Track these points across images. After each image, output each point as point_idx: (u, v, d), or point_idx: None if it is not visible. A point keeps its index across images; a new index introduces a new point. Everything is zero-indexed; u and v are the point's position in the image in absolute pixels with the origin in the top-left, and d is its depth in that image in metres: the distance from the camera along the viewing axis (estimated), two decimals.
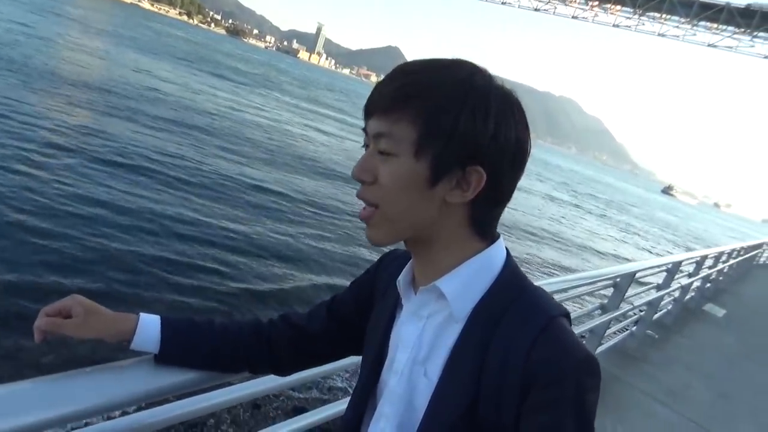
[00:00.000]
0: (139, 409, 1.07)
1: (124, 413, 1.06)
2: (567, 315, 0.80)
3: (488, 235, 0.84)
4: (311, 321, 1.07)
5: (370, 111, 0.80)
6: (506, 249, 0.86)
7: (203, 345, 1.02)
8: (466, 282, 0.81)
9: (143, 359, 1.00)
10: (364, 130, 0.82)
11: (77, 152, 11.25)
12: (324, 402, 4.92)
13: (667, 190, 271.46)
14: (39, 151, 10.46)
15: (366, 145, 0.82)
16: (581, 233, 27.12)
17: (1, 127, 11.22)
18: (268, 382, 1.39)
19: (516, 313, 0.77)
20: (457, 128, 0.75)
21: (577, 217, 33.98)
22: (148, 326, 0.98)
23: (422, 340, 0.84)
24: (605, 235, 30.44)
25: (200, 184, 11.95)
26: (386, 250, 1.04)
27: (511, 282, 0.82)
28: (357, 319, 1.04)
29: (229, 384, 1.31)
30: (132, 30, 64.01)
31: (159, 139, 14.37)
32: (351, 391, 1.02)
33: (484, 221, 0.83)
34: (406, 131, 0.76)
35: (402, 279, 0.90)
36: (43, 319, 0.89)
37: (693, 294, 7.77)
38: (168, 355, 1.00)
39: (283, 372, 1.13)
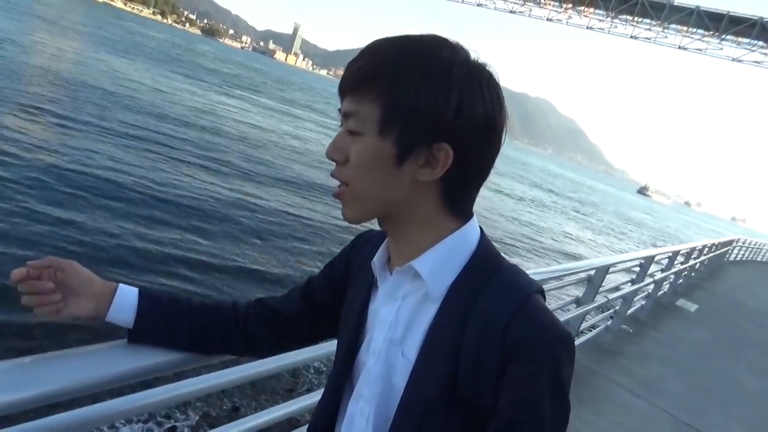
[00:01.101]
0: (111, 396, 1.05)
1: (96, 401, 1.03)
2: (542, 291, 0.80)
3: (463, 214, 0.83)
4: (286, 303, 1.07)
5: (341, 91, 0.80)
6: (480, 227, 0.86)
7: (181, 322, 1.00)
8: (441, 261, 0.81)
9: (114, 343, 0.97)
10: (339, 110, 0.82)
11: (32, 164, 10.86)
12: (301, 393, 4.93)
13: (642, 191, 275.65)
14: None
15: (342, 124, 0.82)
16: (558, 235, 27.48)
17: None
18: (244, 371, 1.37)
19: (493, 290, 0.77)
20: (418, 104, 0.74)
21: (554, 218, 34.40)
22: (127, 296, 0.95)
23: (398, 320, 0.84)
24: (585, 237, 30.84)
25: (170, 196, 11.77)
26: (363, 229, 1.03)
27: (487, 260, 0.82)
28: (331, 301, 1.03)
29: (206, 371, 1.29)
30: (103, 29, 62.90)
31: (125, 148, 13.87)
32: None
33: (457, 199, 0.82)
34: (370, 110, 0.76)
35: (377, 260, 0.90)
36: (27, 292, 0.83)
37: (666, 289, 7.92)
38: (144, 329, 0.96)
39: (259, 353, 1.12)
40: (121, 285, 0.95)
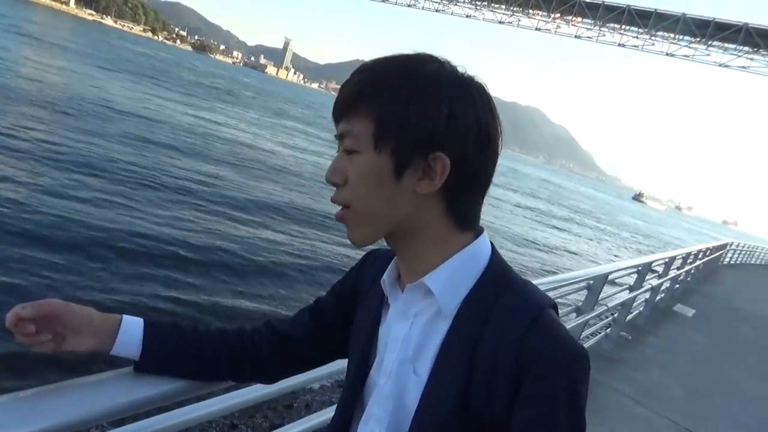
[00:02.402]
0: (116, 425, 1.03)
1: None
2: (555, 306, 0.80)
3: (470, 226, 0.83)
4: (295, 325, 1.04)
5: (335, 115, 0.81)
6: (491, 242, 0.85)
7: (188, 351, 0.97)
8: (453, 277, 0.80)
9: (120, 372, 0.95)
10: (336, 136, 0.83)
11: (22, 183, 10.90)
12: (310, 412, 4.87)
13: (637, 198, 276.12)
14: None
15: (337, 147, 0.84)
16: (554, 244, 27.47)
17: None
18: (251, 393, 1.36)
19: (505, 306, 0.76)
20: (408, 117, 0.75)
21: (548, 227, 34.28)
22: (131, 328, 0.92)
23: (410, 338, 0.83)
24: (581, 247, 30.81)
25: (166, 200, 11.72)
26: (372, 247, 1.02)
27: (498, 275, 0.81)
28: (340, 322, 1.02)
29: (211, 395, 1.26)
30: (94, 48, 62.91)
31: (122, 165, 13.95)
32: (336, 401, 1.00)
33: (461, 210, 0.81)
34: (363, 126, 0.76)
35: (387, 277, 0.89)
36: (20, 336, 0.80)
37: (663, 295, 7.94)
38: (150, 360, 0.93)
39: (268, 379, 1.08)
40: (125, 318, 0.92)
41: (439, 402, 0.76)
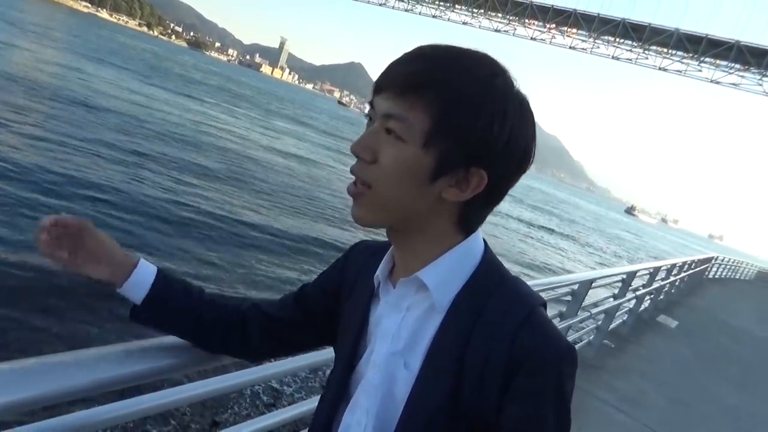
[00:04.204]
0: (103, 402, 1.05)
1: (88, 406, 1.03)
2: (544, 304, 0.81)
3: (472, 232, 0.84)
4: (280, 308, 1.05)
5: (382, 87, 0.76)
6: (484, 239, 0.86)
7: (188, 313, 1.00)
8: (448, 273, 0.81)
9: (108, 348, 0.97)
10: (371, 104, 0.79)
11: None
12: (295, 401, 4.90)
13: (630, 211, 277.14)
14: None
15: (370, 119, 0.79)
16: (543, 253, 27.60)
17: None
18: (238, 377, 1.38)
19: (498, 303, 0.77)
20: (474, 130, 0.73)
21: (546, 239, 34.29)
22: (142, 276, 0.95)
23: (401, 331, 0.83)
24: (580, 259, 30.99)
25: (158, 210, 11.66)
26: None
27: (491, 272, 0.82)
28: (323, 310, 1.02)
29: (201, 377, 1.30)
30: (86, 39, 62.51)
31: (105, 163, 13.76)
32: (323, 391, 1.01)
33: (472, 221, 0.82)
34: (419, 119, 0.73)
35: (380, 271, 0.89)
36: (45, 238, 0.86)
37: (647, 305, 8.00)
38: (149, 310, 0.96)
39: (253, 357, 1.10)
40: (142, 261, 0.96)
41: (430, 396, 0.77)
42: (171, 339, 1.06)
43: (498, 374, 0.72)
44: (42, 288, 6.29)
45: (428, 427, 0.76)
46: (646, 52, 62.56)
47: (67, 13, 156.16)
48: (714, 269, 18.25)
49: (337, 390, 0.91)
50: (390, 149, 0.75)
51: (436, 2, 79.77)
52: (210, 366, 1.13)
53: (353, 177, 0.79)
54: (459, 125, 0.73)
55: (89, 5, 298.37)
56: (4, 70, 21.14)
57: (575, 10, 65.16)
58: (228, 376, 1.39)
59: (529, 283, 3.06)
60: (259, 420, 1.56)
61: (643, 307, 7.56)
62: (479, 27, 79.58)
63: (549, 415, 0.72)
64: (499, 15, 73.89)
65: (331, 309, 1.01)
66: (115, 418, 1.08)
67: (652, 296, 8.09)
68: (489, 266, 0.83)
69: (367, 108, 0.81)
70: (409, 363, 0.81)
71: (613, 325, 6.06)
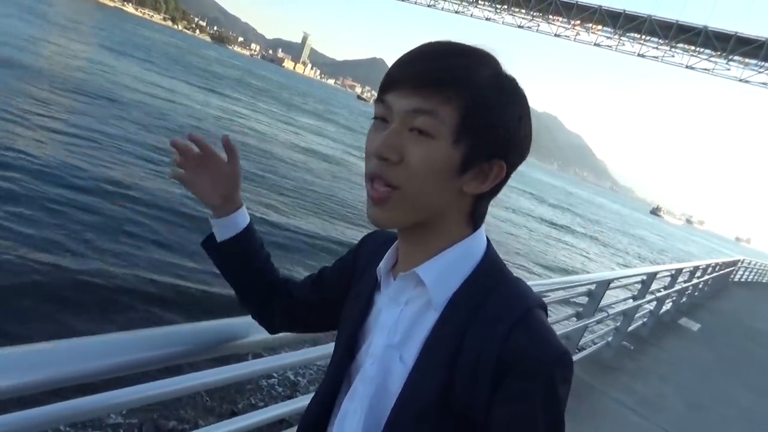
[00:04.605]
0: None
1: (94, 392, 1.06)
2: (543, 307, 0.80)
3: (479, 226, 0.84)
4: (298, 288, 1.10)
5: (399, 83, 0.75)
6: (487, 238, 0.86)
7: (252, 268, 1.07)
8: (446, 270, 0.81)
9: (123, 333, 1.02)
10: (381, 100, 0.77)
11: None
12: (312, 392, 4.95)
13: (655, 212, 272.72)
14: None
15: (378, 118, 0.78)
16: (564, 252, 27.34)
17: None
18: (238, 369, 1.39)
19: (494, 302, 0.77)
20: (499, 122, 0.75)
21: (568, 240, 33.79)
22: (237, 220, 1.04)
23: (399, 325, 0.83)
24: (602, 260, 30.62)
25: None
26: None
27: (491, 271, 0.82)
28: (336, 295, 1.04)
29: (202, 368, 1.33)
30: (114, 35, 63.49)
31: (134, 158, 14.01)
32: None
33: (481, 213, 0.84)
34: (449, 114, 0.72)
35: (383, 265, 0.90)
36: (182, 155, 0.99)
37: (668, 307, 7.88)
38: (223, 250, 1.05)
39: (270, 328, 1.16)
40: (243, 208, 1.06)
41: (422, 390, 0.77)
42: (187, 326, 1.15)
43: (489, 374, 0.72)
44: (61, 284, 6.40)
45: (418, 421, 0.76)
46: (673, 49, 61.43)
47: (93, 6, 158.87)
48: (740, 273, 17.91)
49: (337, 377, 0.92)
50: (418, 148, 0.74)
51: None
52: (227, 353, 1.20)
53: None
54: (486, 119, 0.74)
55: None
56: (31, 63, 21.59)
57: (600, 6, 64.25)
58: (245, 363, 1.44)
59: (545, 282, 3.04)
60: (274, 408, 1.60)
61: (664, 309, 7.45)
62: (502, 23, 78.90)
63: (539, 418, 0.71)
64: (523, 11, 73.17)
65: (344, 294, 1.03)
66: (139, 400, 1.15)
67: (673, 299, 7.96)
68: (489, 265, 0.82)
69: (376, 107, 0.79)
70: (404, 357, 0.81)
71: (632, 327, 5.98)
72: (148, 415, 4.55)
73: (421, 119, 0.73)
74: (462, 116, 0.73)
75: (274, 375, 5.67)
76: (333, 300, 1.04)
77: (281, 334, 1.22)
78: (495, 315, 0.75)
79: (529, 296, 0.79)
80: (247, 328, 1.24)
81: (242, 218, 1.05)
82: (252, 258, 1.07)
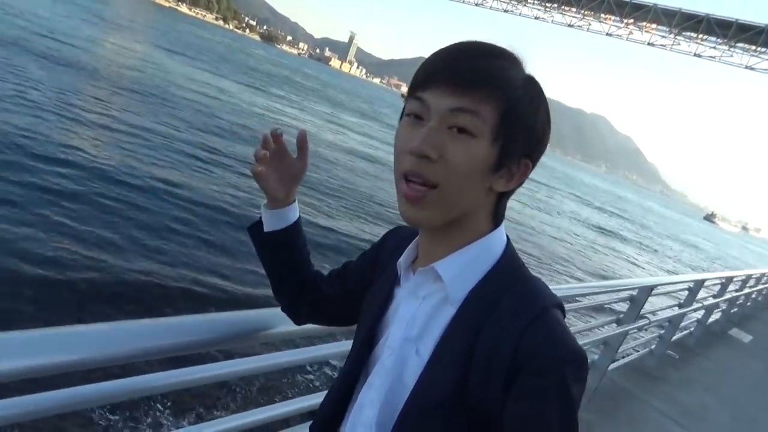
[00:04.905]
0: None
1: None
2: (561, 306, 0.80)
3: (500, 223, 0.86)
4: (325, 282, 1.14)
5: (436, 81, 0.75)
6: (507, 236, 0.87)
7: (290, 262, 1.10)
8: (464, 266, 0.82)
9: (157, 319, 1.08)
10: (417, 98, 0.77)
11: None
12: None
13: (709, 218, 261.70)
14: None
15: (412, 115, 0.78)
16: (619, 258, 26.61)
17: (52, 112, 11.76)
18: (262, 361, 1.41)
19: (510, 300, 0.77)
20: (535, 125, 0.78)
21: (614, 245, 32.82)
22: (289, 214, 1.08)
23: (416, 319, 0.85)
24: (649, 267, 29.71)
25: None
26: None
27: (509, 269, 0.83)
28: (359, 289, 1.06)
29: (229, 357, 1.38)
30: (167, 34, 65.36)
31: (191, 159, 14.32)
32: None
33: (503, 210, 0.86)
34: (490, 113, 0.74)
35: (403, 259, 0.91)
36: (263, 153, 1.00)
37: (717, 317, 7.57)
38: (268, 240, 1.08)
39: (297, 319, 1.20)
40: (295, 204, 1.09)
41: (436, 385, 0.78)
42: (213, 315, 1.19)
43: (503, 371, 0.72)
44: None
45: (431, 415, 0.78)
46: (732, 49, 58.89)
47: (149, 6, 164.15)
48: None
49: (355, 368, 0.95)
50: (460, 146, 0.74)
51: None
52: (257, 342, 1.24)
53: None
54: (522, 119, 0.76)
55: (170, 0, 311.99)
56: (89, 62, 22.52)
57: (655, 5, 62.18)
58: (278, 354, 1.48)
59: (583, 285, 2.99)
60: (301, 400, 1.63)
61: (713, 318, 7.16)
62: (551, 22, 77.44)
63: (552, 417, 0.71)
64: (573, 9, 71.57)
65: (367, 288, 1.05)
66: (173, 384, 1.22)
67: (723, 308, 7.65)
68: (508, 263, 0.83)
69: (409, 104, 0.79)
70: (421, 350, 0.82)
71: (678, 336, 5.79)
72: (179, 399, 4.72)
73: (462, 117, 0.74)
74: (501, 116, 0.74)
75: (308, 366, 5.78)
76: (356, 294, 1.06)
77: (312, 326, 1.26)
78: (511, 312, 0.75)
79: (546, 295, 0.79)
80: (275, 318, 1.28)
81: (293, 213, 1.08)
82: (294, 252, 1.09)
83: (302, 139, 1.02)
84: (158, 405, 4.61)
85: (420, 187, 0.76)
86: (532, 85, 0.78)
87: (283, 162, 1.03)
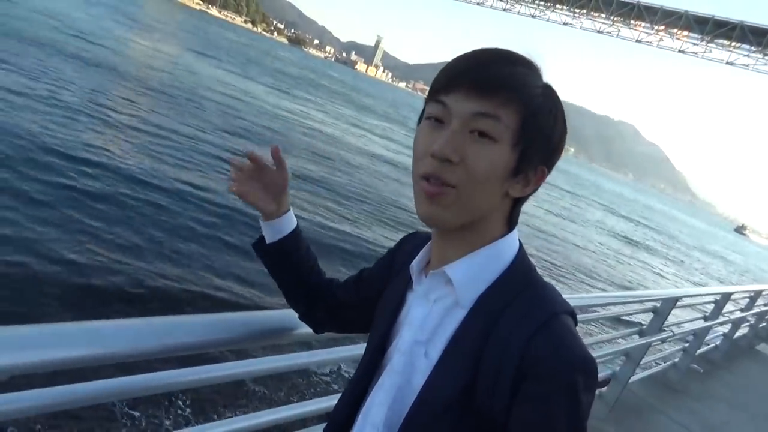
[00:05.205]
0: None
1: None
2: (572, 314, 0.80)
3: (513, 228, 0.86)
4: (341, 288, 1.15)
5: (458, 85, 0.76)
6: (519, 241, 0.87)
7: (297, 271, 1.12)
8: (475, 270, 0.82)
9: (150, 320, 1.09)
10: (438, 101, 0.78)
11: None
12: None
13: (740, 230, 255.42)
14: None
15: (432, 119, 0.79)
16: (644, 270, 26.15)
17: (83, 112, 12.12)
18: (280, 361, 1.43)
19: (520, 305, 0.77)
20: (553, 132, 0.80)
21: (638, 255, 32.17)
22: (285, 223, 1.10)
23: (427, 322, 0.86)
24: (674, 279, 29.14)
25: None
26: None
27: (520, 274, 0.83)
28: (375, 295, 1.07)
29: (246, 356, 1.39)
30: (197, 36, 66.37)
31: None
32: None
33: (517, 215, 0.86)
34: (511, 118, 0.75)
35: (416, 263, 0.92)
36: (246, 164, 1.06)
37: (745, 331, 7.39)
38: (270, 253, 1.11)
39: (316, 328, 1.22)
40: (290, 213, 1.12)
41: (443, 388, 0.78)
42: (236, 314, 1.22)
43: (509, 376, 0.72)
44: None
45: (437, 418, 0.78)
46: (766, 57, 57.52)
47: (180, 9, 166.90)
48: None
49: (368, 370, 0.95)
50: (480, 150, 0.75)
51: (536, 2, 77.68)
52: (276, 343, 1.28)
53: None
54: (542, 126, 0.77)
55: (201, 2, 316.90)
56: (120, 63, 23.01)
57: (687, 11, 61.09)
58: (294, 355, 1.51)
59: (606, 295, 2.95)
60: (324, 399, 1.65)
61: (739, 333, 6.99)
62: (580, 28, 76.63)
63: (559, 423, 0.71)
64: (602, 15, 70.73)
65: (381, 294, 1.05)
66: (192, 382, 1.25)
67: (751, 322, 7.46)
68: (519, 268, 0.83)
69: (429, 107, 0.80)
70: (430, 353, 0.83)
71: (703, 349, 5.66)
72: (195, 396, 4.78)
73: (483, 122, 0.74)
74: (522, 122, 0.75)
75: (326, 368, 5.81)
76: (373, 300, 1.07)
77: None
78: (520, 317, 0.76)
79: (557, 301, 0.79)
80: (294, 320, 1.29)
81: (289, 222, 1.11)
82: (298, 259, 1.12)
83: (276, 155, 1.05)
84: (179, 402, 4.68)
85: (441, 187, 0.77)
86: (550, 93, 0.79)
87: (265, 177, 1.07)
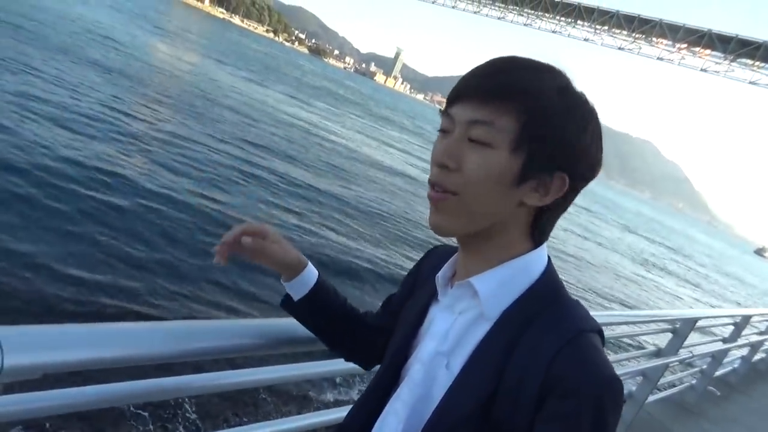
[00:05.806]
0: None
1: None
2: (600, 332, 0.79)
3: (541, 241, 0.84)
4: (374, 317, 1.15)
5: (461, 96, 0.78)
6: (548, 257, 0.86)
7: (330, 317, 1.08)
8: (502, 284, 0.82)
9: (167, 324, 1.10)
10: (446, 113, 0.80)
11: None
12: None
13: (761, 252, 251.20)
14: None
15: (443, 130, 0.81)
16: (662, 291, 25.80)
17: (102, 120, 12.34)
18: (292, 370, 1.44)
19: (546, 321, 0.77)
20: (563, 135, 0.76)
21: (654, 275, 31.79)
22: (306, 278, 1.04)
23: (450, 333, 0.85)
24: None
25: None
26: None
27: (547, 290, 0.82)
28: None
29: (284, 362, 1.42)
30: (219, 44, 67.29)
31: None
32: None
33: (544, 229, 0.84)
34: (508, 124, 0.74)
35: (441, 274, 0.92)
36: (245, 239, 0.95)
37: (764, 355, 7.24)
38: (299, 308, 1.06)
39: (364, 364, 1.20)
40: (309, 266, 1.05)
41: (463, 400, 0.77)
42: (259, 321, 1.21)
43: (532, 393, 0.71)
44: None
45: (455, 430, 0.77)
46: None
47: (204, 17, 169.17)
48: None
49: (385, 379, 0.95)
50: (475, 155, 0.76)
51: (557, 18, 77.70)
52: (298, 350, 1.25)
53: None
54: (546, 129, 0.75)
55: (224, 12, 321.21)
56: (141, 69, 23.37)
57: (710, 30, 60.60)
58: (306, 364, 1.51)
59: (625, 313, 2.91)
60: (335, 411, 1.65)
61: (758, 356, 6.85)
62: (601, 44, 76.43)
63: None
64: (624, 32, 70.50)
65: None
66: (202, 388, 1.25)
67: None
68: (547, 283, 0.82)
69: (441, 119, 0.82)
70: (451, 365, 0.82)
71: (720, 372, 5.56)
72: (213, 403, 4.78)
73: (477, 129, 0.75)
74: (522, 126, 0.74)
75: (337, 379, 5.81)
76: None
77: None
78: (545, 334, 0.75)
79: (584, 319, 0.78)
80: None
81: (310, 275, 1.05)
82: (330, 308, 1.07)
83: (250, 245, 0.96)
84: (185, 405, 4.69)
85: (442, 193, 0.79)
86: (565, 96, 0.77)
87: (262, 244, 0.99)
